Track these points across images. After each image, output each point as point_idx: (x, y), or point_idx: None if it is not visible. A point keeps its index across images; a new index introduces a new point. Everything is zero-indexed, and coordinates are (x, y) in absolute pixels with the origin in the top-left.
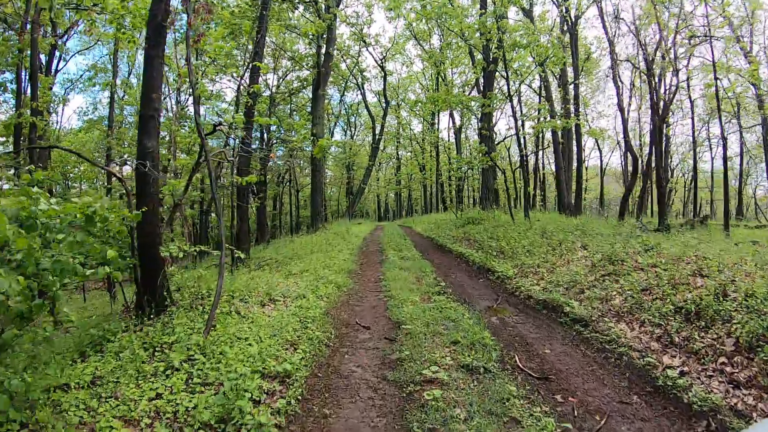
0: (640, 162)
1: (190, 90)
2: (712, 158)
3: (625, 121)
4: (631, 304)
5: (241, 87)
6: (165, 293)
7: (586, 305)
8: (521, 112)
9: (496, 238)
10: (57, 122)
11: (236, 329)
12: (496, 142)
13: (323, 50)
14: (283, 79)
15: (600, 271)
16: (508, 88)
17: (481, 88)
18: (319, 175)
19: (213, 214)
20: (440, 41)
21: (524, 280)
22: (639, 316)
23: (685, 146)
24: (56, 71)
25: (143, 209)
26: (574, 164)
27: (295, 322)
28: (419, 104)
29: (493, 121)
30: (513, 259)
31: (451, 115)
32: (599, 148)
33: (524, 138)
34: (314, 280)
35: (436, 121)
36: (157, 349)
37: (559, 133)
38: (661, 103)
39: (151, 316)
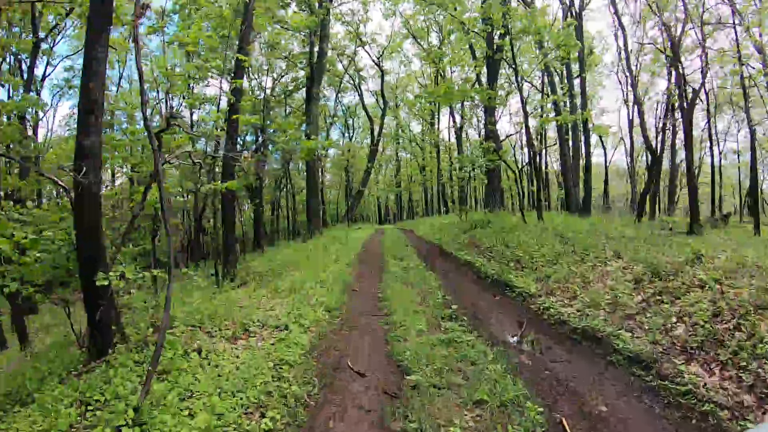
0: (657, 157)
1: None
2: (720, 153)
3: (641, 114)
4: (701, 337)
5: (224, 83)
6: (114, 327)
7: (641, 337)
8: (524, 108)
9: (509, 244)
10: (49, 129)
11: (190, 380)
12: (501, 140)
13: (316, 47)
14: (278, 81)
15: (648, 288)
16: (517, 77)
17: (482, 83)
18: (314, 178)
19: (217, 221)
20: (438, 39)
21: (551, 299)
22: (715, 353)
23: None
24: (44, 76)
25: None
26: (581, 161)
27: (268, 369)
28: (420, 99)
29: (497, 117)
30: (533, 271)
31: (452, 114)
32: (603, 145)
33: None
34: (302, 301)
35: (436, 120)
36: (90, 407)
37: (563, 129)
38: (689, 90)
39: (99, 356)
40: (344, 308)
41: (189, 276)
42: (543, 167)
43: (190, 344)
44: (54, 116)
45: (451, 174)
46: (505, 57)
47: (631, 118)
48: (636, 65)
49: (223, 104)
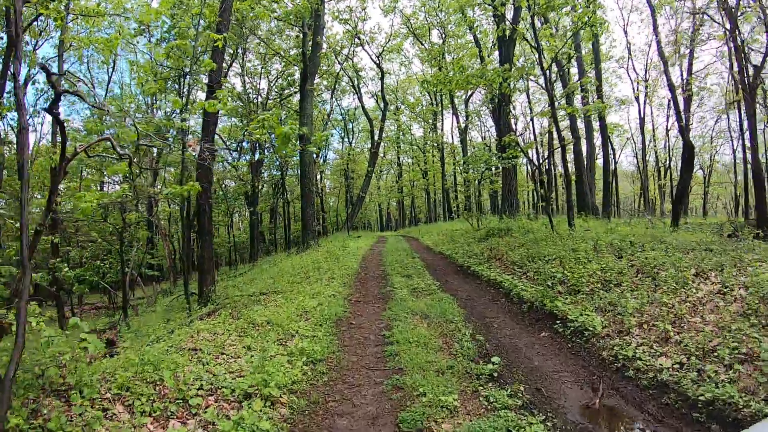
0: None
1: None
2: (734, 150)
3: (676, 102)
4: None
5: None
6: None
7: None
8: (551, 96)
9: (543, 258)
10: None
11: None
12: (518, 134)
13: (310, 40)
14: (274, 84)
15: None
16: (540, 59)
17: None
18: (309, 185)
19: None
20: (440, 37)
21: (630, 341)
22: None
23: (703, 139)
24: (26, 81)
25: None
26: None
27: None
28: (429, 87)
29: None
30: (588, 297)
31: (455, 115)
32: (611, 144)
33: (539, 134)
34: (279, 344)
35: (440, 121)
36: None
37: (575, 127)
38: (750, 69)
39: None
40: (334, 358)
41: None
42: (552, 169)
43: None
44: (42, 123)
45: (455, 177)
46: (526, 36)
47: (642, 115)
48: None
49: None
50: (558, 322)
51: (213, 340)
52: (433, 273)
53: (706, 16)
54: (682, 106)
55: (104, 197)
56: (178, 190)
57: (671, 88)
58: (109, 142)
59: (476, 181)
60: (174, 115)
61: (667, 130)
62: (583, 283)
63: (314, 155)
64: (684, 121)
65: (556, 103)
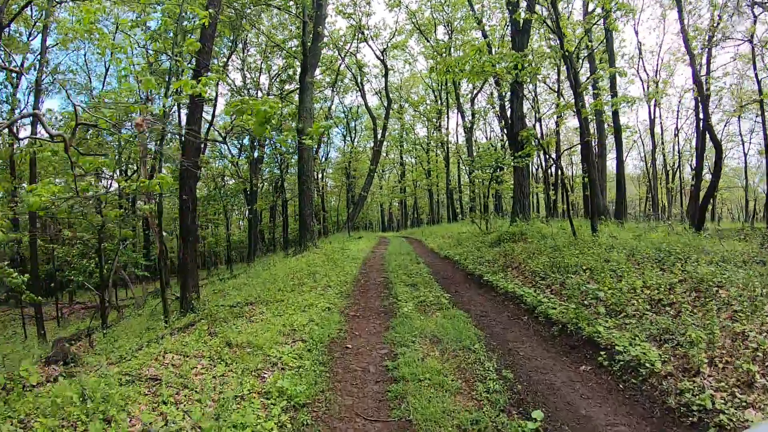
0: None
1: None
2: (745, 154)
3: (704, 99)
4: None
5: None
6: None
7: None
8: (575, 86)
9: (570, 269)
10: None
11: None
12: (530, 132)
13: (310, 31)
14: (276, 79)
15: None
16: (562, 45)
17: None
18: (308, 182)
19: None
20: (446, 34)
21: (701, 384)
22: None
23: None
24: (19, 75)
25: None
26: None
27: None
28: (439, 75)
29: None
30: (632, 320)
31: (461, 113)
32: (618, 146)
33: (546, 132)
34: (254, 379)
35: (445, 119)
36: None
37: (585, 126)
38: None
39: None
40: (323, 401)
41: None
42: (558, 171)
43: None
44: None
45: (459, 177)
46: (547, 21)
47: (652, 117)
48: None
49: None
50: (602, 352)
51: (180, 366)
52: (441, 282)
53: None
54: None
55: (61, 191)
56: (146, 185)
57: (698, 84)
58: (41, 122)
59: (485, 182)
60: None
61: (676, 133)
62: (625, 302)
63: (313, 151)
64: (705, 120)
65: (562, 102)
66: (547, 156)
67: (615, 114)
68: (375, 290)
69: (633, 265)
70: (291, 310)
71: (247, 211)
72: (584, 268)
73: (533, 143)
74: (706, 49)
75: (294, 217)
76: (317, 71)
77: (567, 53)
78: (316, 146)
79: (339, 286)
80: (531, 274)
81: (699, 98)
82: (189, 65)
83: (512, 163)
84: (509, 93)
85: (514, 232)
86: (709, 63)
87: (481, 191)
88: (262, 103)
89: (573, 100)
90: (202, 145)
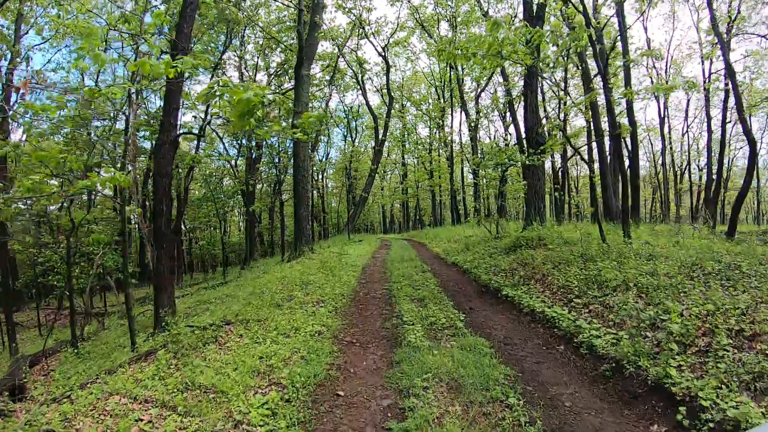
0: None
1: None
2: (756, 154)
3: (736, 90)
4: None
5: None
6: None
7: None
8: (603, 69)
9: (608, 284)
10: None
11: None
12: (554, 124)
13: (306, 18)
14: (274, 78)
15: None
16: (587, 21)
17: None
18: (302, 181)
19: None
20: (449, 30)
21: None
22: None
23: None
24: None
25: None
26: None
27: None
28: (442, 54)
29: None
30: (717, 360)
31: (464, 110)
32: (627, 147)
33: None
34: None
35: (448, 118)
36: None
37: (596, 126)
38: None
39: None
40: None
41: None
42: (565, 171)
43: None
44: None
45: (463, 178)
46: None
47: (662, 115)
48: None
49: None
50: (680, 407)
51: (120, 418)
52: (451, 295)
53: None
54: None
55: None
56: (93, 182)
57: (731, 74)
58: None
59: (495, 182)
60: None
61: (684, 132)
62: (697, 333)
63: (310, 147)
64: (739, 112)
65: (567, 99)
66: (575, 151)
67: (630, 108)
68: (375, 306)
69: (691, 280)
70: (273, 334)
71: (244, 213)
72: (629, 283)
73: (558, 137)
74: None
75: (283, 219)
76: (317, 68)
77: (595, 29)
78: (312, 142)
79: (333, 300)
80: (561, 289)
81: (731, 87)
82: (165, 50)
83: (527, 161)
84: (520, 86)
85: (531, 236)
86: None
87: (491, 192)
88: (245, 90)
89: (576, 101)
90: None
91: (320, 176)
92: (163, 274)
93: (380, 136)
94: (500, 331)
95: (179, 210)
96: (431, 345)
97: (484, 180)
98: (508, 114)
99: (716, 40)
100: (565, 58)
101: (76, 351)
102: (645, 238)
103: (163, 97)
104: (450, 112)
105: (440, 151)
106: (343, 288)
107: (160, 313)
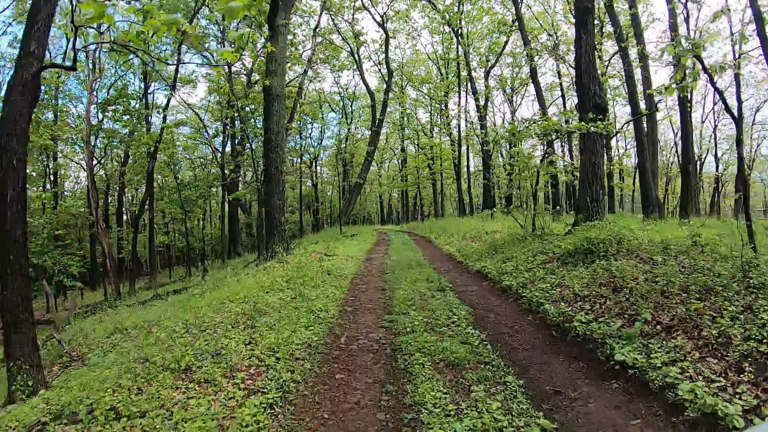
0: None
1: None
2: None
3: None
4: None
5: None
6: None
7: None
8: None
9: None
10: None
11: None
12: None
13: None
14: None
15: None
16: None
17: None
18: (276, 159)
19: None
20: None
21: None
22: None
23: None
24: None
25: None
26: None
27: None
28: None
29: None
30: None
31: (473, 87)
32: (684, 121)
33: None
34: None
35: (456, 97)
36: None
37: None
38: None
39: None
40: None
41: None
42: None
43: None
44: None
45: (469, 164)
46: None
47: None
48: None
49: None
50: None
51: None
52: (507, 351)
53: None
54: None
55: None
56: None
57: None
58: None
59: (532, 161)
60: None
61: (703, 119)
62: None
63: (286, 115)
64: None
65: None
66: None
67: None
68: (365, 385)
69: None
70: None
71: (228, 203)
72: None
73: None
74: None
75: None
76: (298, 19)
77: None
78: (289, 113)
79: (287, 365)
80: (742, 356)
81: None
82: None
83: (591, 127)
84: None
85: (602, 238)
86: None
87: (523, 176)
88: None
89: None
90: (40, 81)
91: (314, 164)
92: (12, 305)
93: (378, 116)
94: None
95: (145, 201)
96: None
97: (518, 160)
98: (524, 89)
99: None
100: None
101: None
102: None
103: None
104: (458, 90)
105: (442, 137)
106: (314, 328)
107: (11, 368)
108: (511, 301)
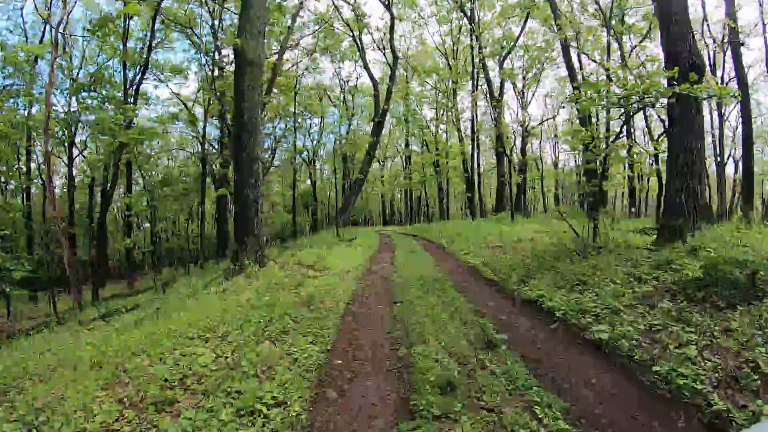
0: None
1: None
2: None
3: None
4: None
5: None
6: None
7: None
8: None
9: None
10: None
11: None
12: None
13: None
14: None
15: None
16: None
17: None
18: (248, 141)
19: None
20: None
21: None
22: None
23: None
24: None
25: None
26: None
27: None
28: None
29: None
30: None
31: (486, 78)
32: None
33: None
34: None
35: (467, 88)
36: None
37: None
38: None
39: None
40: None
41: None
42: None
43: None
44: None
45: (479, 162)
46: None
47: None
48: None
49: None
50: None
51: None
52: None
53: None
54: None
55: None
56: None
57: None
58: None
59: (598, 142)
60: None
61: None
62: None
63: (260, 90)
64: None
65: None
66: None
67: (738, 62)
68: None
69: None
70: None
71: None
72: None
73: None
74: None
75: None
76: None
77: None
78: (264, 86)
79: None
80: None
81: None
82: None
83: (697, 92)
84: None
85: (727, 258)
86: None
87: (601, 165)
88: None
89: None
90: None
91: (313, 161)
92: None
93: (382, 105)
94: None
95: (110, 197)
96: None
97: (593, 142)
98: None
99: None
100: None
101: None
102: None
103: None
104: (473, 78)
105: (449, 132)
106: (297, 379)
107: None
108: (617, 371)
